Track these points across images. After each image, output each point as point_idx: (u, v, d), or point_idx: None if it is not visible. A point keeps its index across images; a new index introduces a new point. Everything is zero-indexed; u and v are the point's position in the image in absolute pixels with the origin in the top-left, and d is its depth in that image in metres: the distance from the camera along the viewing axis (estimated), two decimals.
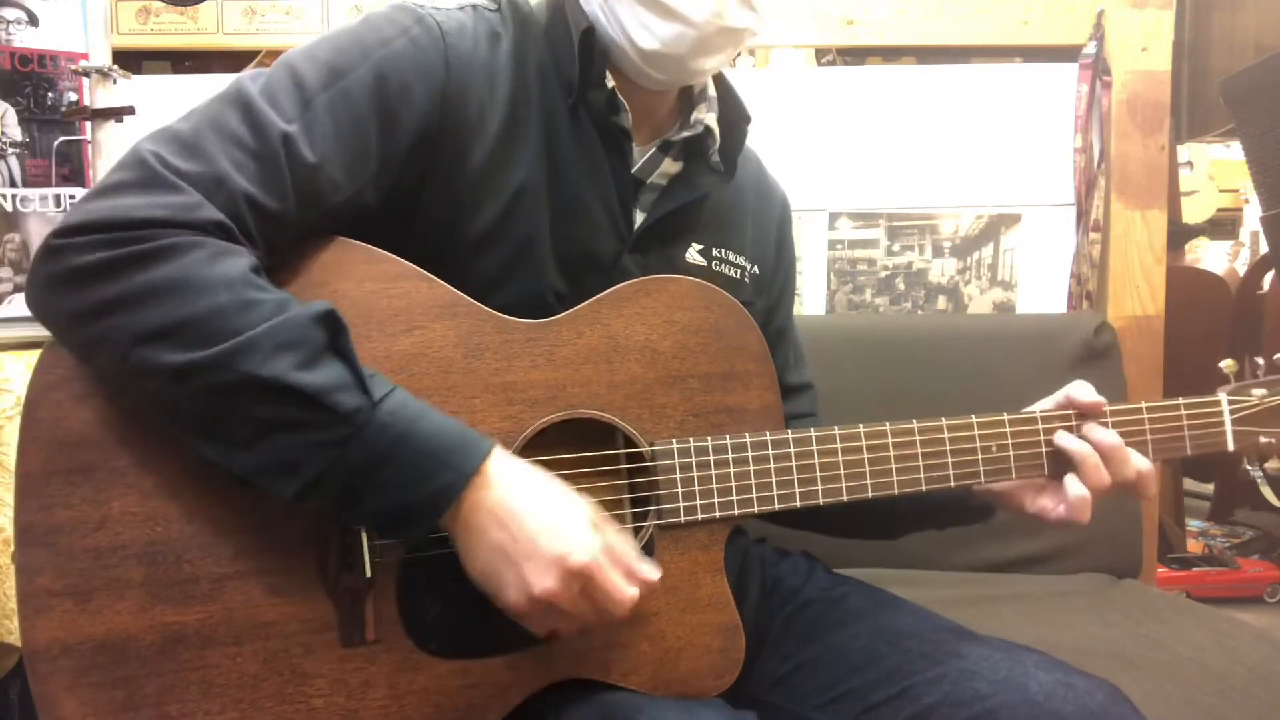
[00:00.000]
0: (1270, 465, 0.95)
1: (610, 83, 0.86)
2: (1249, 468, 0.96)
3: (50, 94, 1.66)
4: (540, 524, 0.69)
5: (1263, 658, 1.17)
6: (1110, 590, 1.46)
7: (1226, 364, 0.96)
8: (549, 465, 0.81)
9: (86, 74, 1.62)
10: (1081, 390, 0.90)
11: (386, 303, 0.76)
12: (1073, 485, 0.86)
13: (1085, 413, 0.89)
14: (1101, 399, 0.89)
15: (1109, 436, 0.88)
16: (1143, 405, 0.91)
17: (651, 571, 0.73)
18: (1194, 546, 2.84)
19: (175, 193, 0.68)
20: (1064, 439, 0.88)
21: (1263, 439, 0.94)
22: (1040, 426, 0.89)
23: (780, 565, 1.03)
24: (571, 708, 0.77)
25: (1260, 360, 0.96)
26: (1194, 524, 2.98)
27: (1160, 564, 2.48)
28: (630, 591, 0.71)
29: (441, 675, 0.75)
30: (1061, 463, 0.89)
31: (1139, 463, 0.88)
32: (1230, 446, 0.93)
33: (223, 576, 0.71)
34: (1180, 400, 0.93)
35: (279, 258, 0.74)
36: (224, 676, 0.70)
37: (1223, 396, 0.94)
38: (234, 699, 0.70)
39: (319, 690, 0.72)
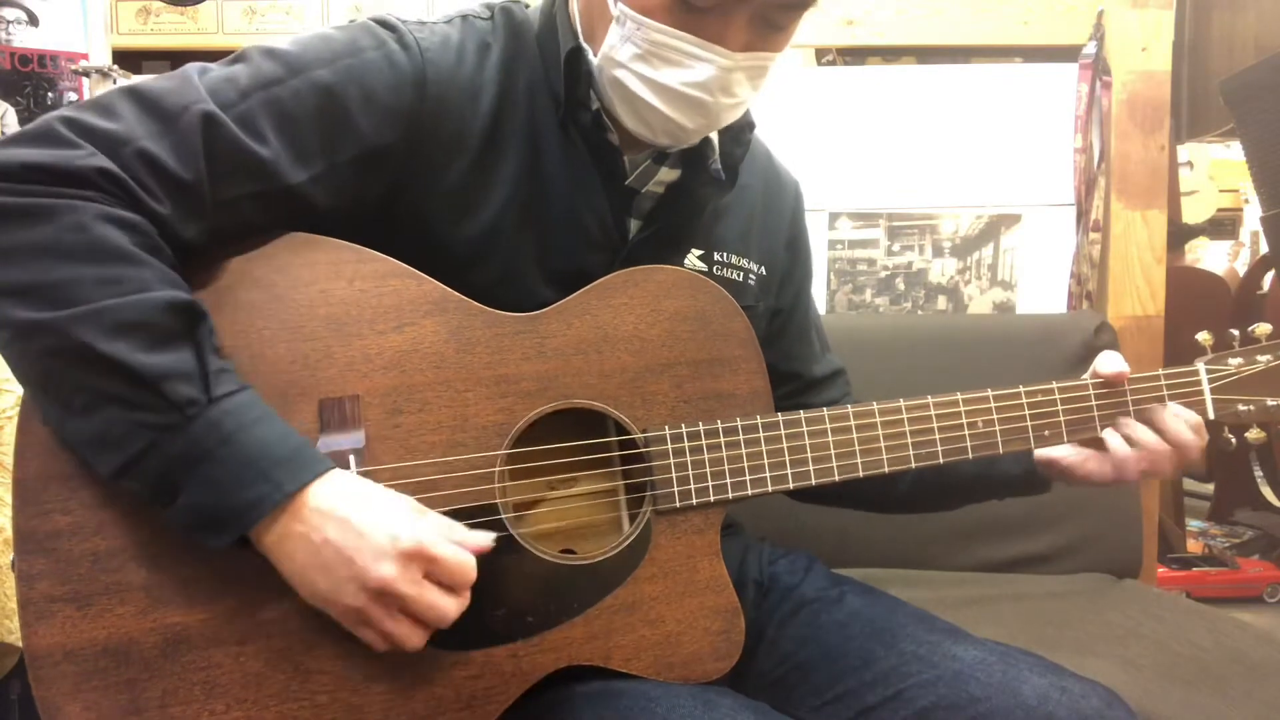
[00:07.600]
0: (1251, 434, 0.95)
1: (595, 104, 0.85)
2: (1230, 437, 0.96)
3: (50, 94, 1.67)
4: (364, 518, 0.68)
5: (1263, 658, 1.18)
6: (1110, 590, 1.46)
7: (1202, 336, 0.97)
8: (543, 456, 0.82)
9: (86, 74, 1.62)
10: (1105, 362, 0.93)
11: (377, 300, 0.77)
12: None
13: (1108, 381, 0.92)
14: (1124, 368, 0.93)
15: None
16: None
17: (483, 538, 0.71)
18: (1194, 546, 2.84)
19: (66, 146, 0.67)
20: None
21: (1241, 407, 0.95)
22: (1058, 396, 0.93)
23: (778, 563, 1.02)
24: (580, 698, 0.77)
25: (1235, 331, 0.98)
26: (1194, 524, 2.98)
27: (1160, 564, 2.48)
28: (466, 558, 0.69)
29: (444, 667, 0.75)
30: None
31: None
32: (1211, 415, 0.95)
33: (223, 576, 0.71)
34: (1160, 371, 0.95)
35: (241, 244, 0.73)
36: (227, 676, 0.70)
37: (1200, 366, 0.96)
38: (238, 698, 0.70)
39: (323, 686, 0.72)
